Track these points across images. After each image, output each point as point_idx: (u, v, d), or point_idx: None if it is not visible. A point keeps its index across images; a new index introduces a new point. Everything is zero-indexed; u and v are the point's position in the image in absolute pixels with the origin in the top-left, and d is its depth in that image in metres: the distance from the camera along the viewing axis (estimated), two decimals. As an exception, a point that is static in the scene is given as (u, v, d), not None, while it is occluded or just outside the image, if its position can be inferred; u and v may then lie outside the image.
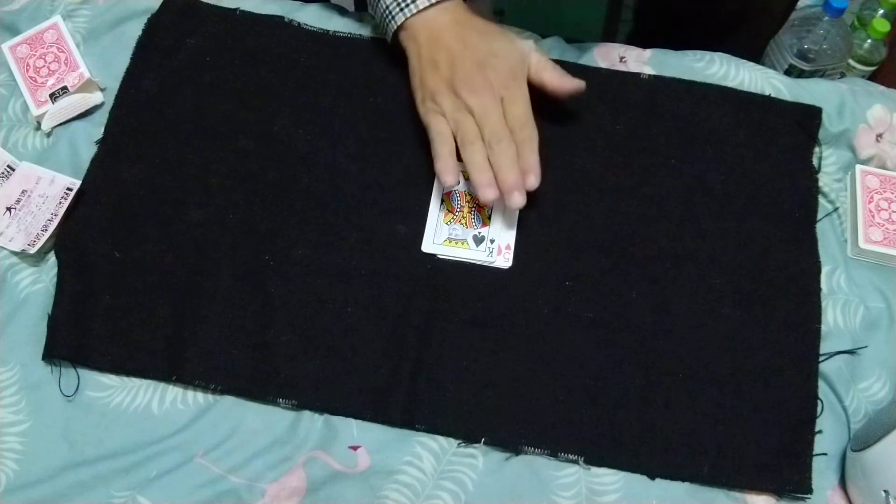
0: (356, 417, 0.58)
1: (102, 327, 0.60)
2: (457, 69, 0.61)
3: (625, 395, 0.59)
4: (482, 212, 0.64)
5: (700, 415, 0.58)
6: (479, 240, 0.63)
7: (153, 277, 0.62)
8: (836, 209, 0.67)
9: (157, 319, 0.60)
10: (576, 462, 0.57)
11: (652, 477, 0.57)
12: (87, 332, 0.60)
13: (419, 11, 0.63)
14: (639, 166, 0.67)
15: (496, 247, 0.63)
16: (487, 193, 0.60)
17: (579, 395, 0.59)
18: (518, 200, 0.59)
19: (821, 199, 0.67)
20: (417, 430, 0.58)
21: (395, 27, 0.64)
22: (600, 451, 0.57)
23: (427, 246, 0.63)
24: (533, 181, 0.60)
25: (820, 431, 0.58)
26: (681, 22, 0.84)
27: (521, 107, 0.61)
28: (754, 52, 0.95)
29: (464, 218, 0.64)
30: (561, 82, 0.64)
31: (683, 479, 0.57)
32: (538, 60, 0.64)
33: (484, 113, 0.60)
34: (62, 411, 0.58)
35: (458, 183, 0.63)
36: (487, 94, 0.60)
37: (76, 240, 0.63)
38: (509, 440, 0.58)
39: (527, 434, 0.58)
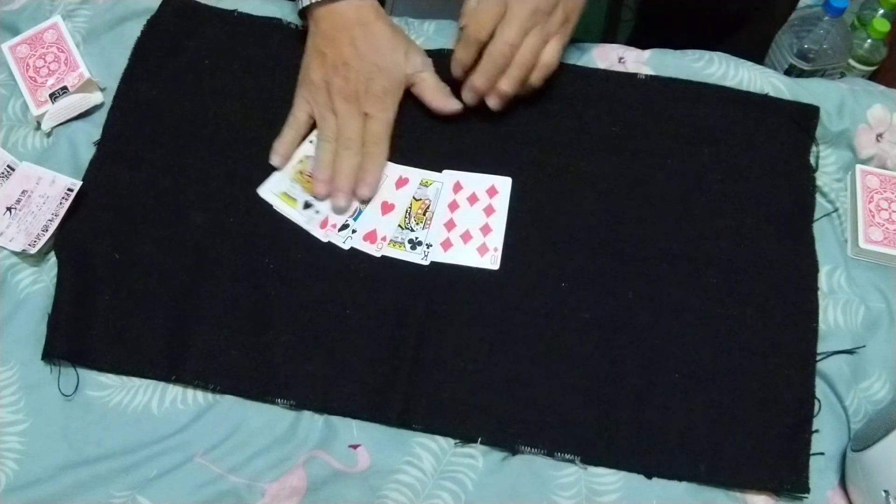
0: (354, 417, 0.58)
1: (102, 327, 0.60)
2: (337, 73, 0.65)
3: (621, 395, 0.59)
4: (422, 216, 0.65)
5: (697, 414, 0.58)
6: (415, 243, 0.63)
7: (153, 279, 0.62)
8: (835, 209, 0.67)
9: (156, 320, 0.60)
10: (572, 462, 0.57)
11: (649, 476, 0.57)
12: (86, 331, 0.60)
13: (323, 3, 0.65)
14: (636, 166, 0.66)
15: (423, 250, 0.63)
16: (320, 188, 0.65)
17: (576, 394, 0.59)
18: (341, 202, 0.65)
19: (821, 199, 0.67)
20: (414, 429, 0.58)
21: (300, 7, 0.67)
22: (597, 451, 0.57)
23: (262, 189, 0.65)
24: (364, 192, 0.65)
25: (817, 431, 0.58)
26: (683, 22, 0.84)
27: (379, 126, 0.66)
28: (757, 52, 0.95)
29: (308, 183, 0.65)
30: (439, 104, 0.67)
31: (680, 479, 0.57)
32: (422, 80, 0.67)
33: (345, 120, 0.65)
34: (62, 411, 0.58)
35: (282, 165, 0.66)
36: (354, 105, 0.65)
37: (76, 240, 0.63)
38: (506, 440, 0.58)
39: (523, 434, 0.58)
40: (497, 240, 0.63)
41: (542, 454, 0.57)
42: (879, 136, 0.70)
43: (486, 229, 0.64)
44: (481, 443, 0.58)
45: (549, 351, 0.60)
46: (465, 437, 0.58)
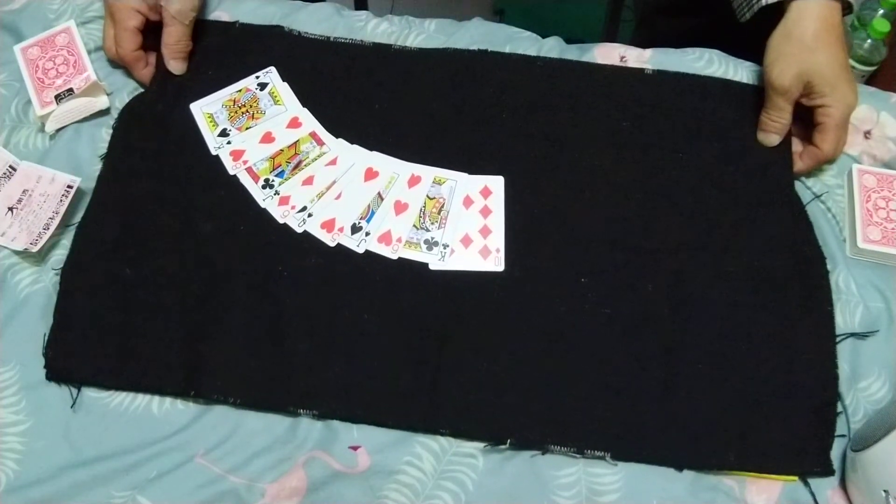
0: (379, 425, 0.58)
1: (116, 346, 0.59)
2: None
3: (647, 389, 0.59)
4: (436, 216, 0.64)
5: (722, 403, 0.58)
6: (431, 243, 0.63)
7: (166, 293, 0.61)
8: (828, 209, 0.67)
9: (171, 335, 0.59)
10: (602, 458, 0.57)
11: (680, 468, 0.57)
12: (99, 352, 0.59)
13: None
14: (647, 160, 0.67)
15: (440, 250, 0.63)
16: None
17: (602, 391, 0.58)
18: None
19: (818, 201, 0.67)
20: (442, 434, 0.58)
21: None
22: (626, 446, 0.57)
23: (194, 105, 0.69)
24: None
25: (841, 412, 0.58)
26: (681, 23, 0.84)
27: None
28: (758, 52, 0.94)
29: (235, 112, 0.68)
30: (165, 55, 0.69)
31: (710, 469, 0.57)
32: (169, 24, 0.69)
33: None
34: (62, 411, 0.58)
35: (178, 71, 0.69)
36: None
37: (86, 260, 0.62)
38: (535, 440, 0.57)
39: (552, 433, 0.57)
40: (498, 240, 0.63)
41: (572, 453, 0.57)
42: (867, 133, 0.70)
43: (485, 231, 0.64)
44: (510, 445, 0.57)
45: (573, 348, 0.60)
46: (494, 440, 0.57)
